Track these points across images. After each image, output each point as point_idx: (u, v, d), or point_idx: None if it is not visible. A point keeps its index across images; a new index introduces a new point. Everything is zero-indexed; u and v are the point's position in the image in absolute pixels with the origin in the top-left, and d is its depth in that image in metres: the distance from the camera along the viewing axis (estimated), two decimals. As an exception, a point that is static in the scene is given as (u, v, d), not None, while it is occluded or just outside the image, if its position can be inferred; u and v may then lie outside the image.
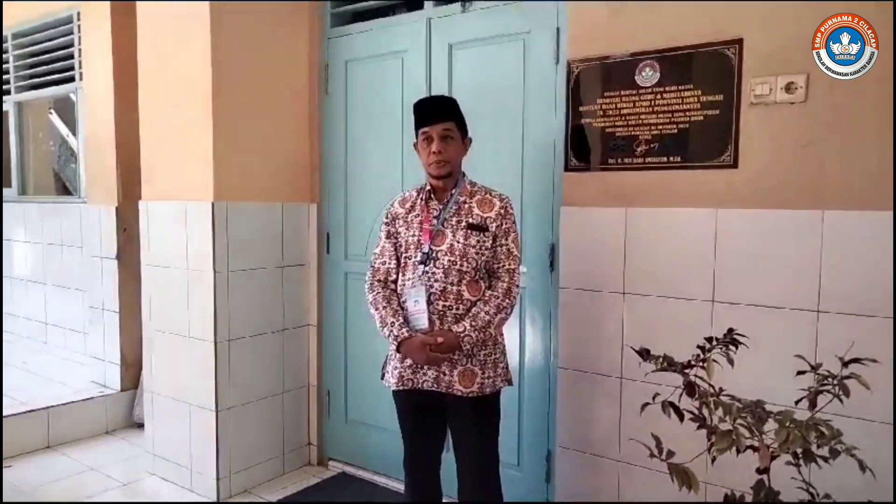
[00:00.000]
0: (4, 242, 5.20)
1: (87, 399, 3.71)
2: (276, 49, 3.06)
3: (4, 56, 4.71)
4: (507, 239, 2.11)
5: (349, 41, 3.12)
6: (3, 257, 5.20)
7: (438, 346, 2.00)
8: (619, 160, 2.30)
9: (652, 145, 2.23)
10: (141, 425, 3.55)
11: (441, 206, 2.13)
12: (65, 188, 4.89)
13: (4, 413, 3.31)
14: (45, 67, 4.55)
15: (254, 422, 3.05)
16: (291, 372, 3.23)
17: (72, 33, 4.18)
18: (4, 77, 4.77)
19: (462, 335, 2.01)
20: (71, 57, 4.25)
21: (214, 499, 2.92)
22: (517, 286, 2.12)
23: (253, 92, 2.96)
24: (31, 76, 4.72)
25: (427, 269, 2.07)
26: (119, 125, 3.69)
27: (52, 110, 4.91)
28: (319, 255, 3.27)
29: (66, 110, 4.69)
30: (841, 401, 1.29)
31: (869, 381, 1.30)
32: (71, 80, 4.31)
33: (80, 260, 4.39)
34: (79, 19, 4.04)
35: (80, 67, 4.09)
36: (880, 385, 1.46)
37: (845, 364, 1.32)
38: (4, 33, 4.62)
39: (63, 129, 4.81)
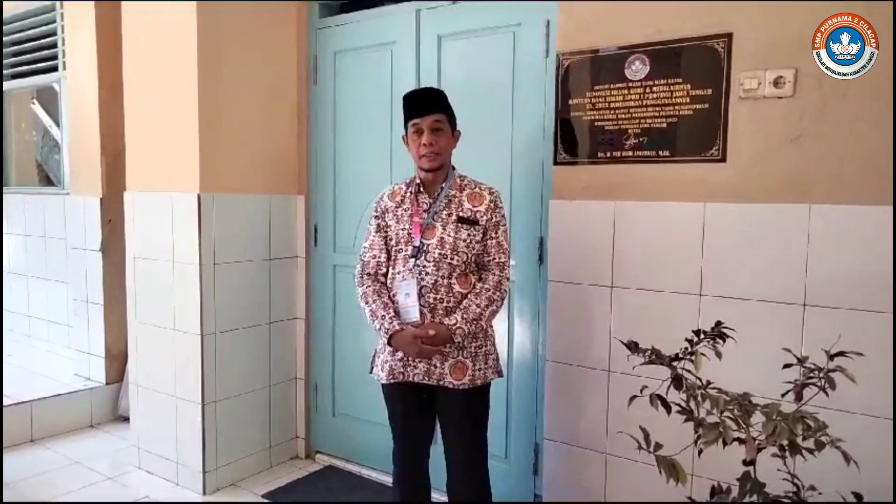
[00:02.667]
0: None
1: (72, 392, 3.67)
2: (263, 39, 3.03)
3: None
4: (497, 232, 2.11)
5: (337, 32, 3.09)
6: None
7: (430, 338, 2.00)
8: (608, 154, 2.30)
9: (641, 139, 2.24)
10: (126, 418, 3.52)
11: (431, 200, 2.12)
12: (48, 179, 4.82)
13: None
14: (27, 56, 4.48)
15: (240, 415, 3.04)
16: (279, 365, 3.22)
17: (55, 22, 4.12)
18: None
19: (454, 327, 2.01)
20: (54, 46, 4.19)
21: (201, 492, 2.91)
22: (507, 279, 2.13)
23: (240, 83, 2.93)
24: (14, 65, 4.64)
25: (418, 262, 2.06)
26: (104, 115, 3.64)
27: (34, 100, 4.83)
28: (307, 247, 3.25)
29: (50, 100, 4.62)
30: (826, 394, 1.30)
31: (854, 375, 1.31)
32: (54, 69, 4.24)
33: (63, 252, 4.34)
34: (62, 7, 3.98)
35: (64, 57, 4.03)
36: (865, 378, 1.48)
37: (831, 357, 1.33)
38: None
39: (46, 120, 4.74)
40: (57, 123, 4.51)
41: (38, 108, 4.82)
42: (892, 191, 1.83)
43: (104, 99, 3.63)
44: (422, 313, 2.05)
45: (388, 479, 2.71)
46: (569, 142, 2.39)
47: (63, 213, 4.34)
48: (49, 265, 4.62)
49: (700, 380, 1.38)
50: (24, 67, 4.52)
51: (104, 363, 3.79)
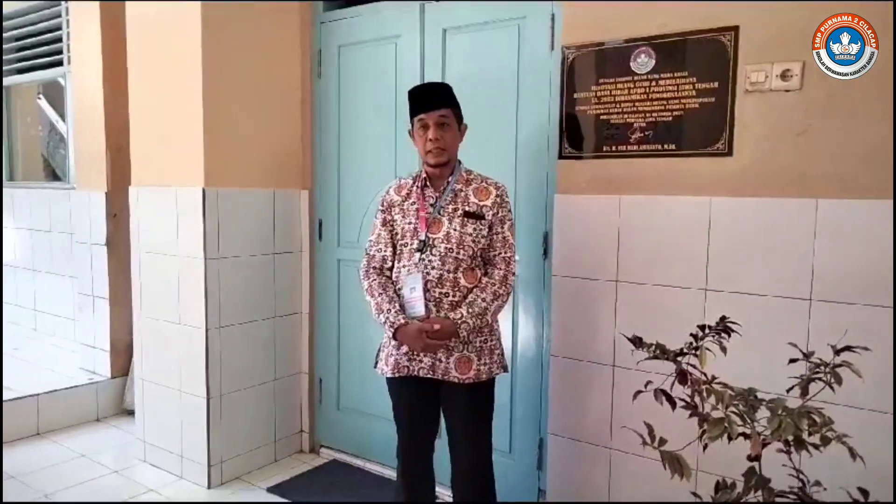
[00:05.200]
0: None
1: (77, 386, 3.69)
2: (267, 33, 3.02)
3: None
4: (503, 227, 2.10)
5: (342, 26, 3.08)
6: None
7: (435, 332, 2.00)
8: (614, 148, 2.29)
9: (646, 133, 2.22)
10: (131, 412, 3.53)
11: (437, 194, 2.12)
12: (54, 174, 4.84)
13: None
14: (33, 51, 4.49)
15: (245, 409, 3.04)
16: (283, 359, 3.22)
17: (60, 16, 4.12)
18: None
19: (459, 322, 2.01)
20: (59, 40, 4.20)
21: (205, 486, 2.92)
22: (513, 274, 2.12)
23: (244, 77, 2.93)
24: (19, 60, 4.65)
25: (424, 256, 2.06)
26: (109, 110, 3.65)
27: (40, 95, 4.84)
28: (311, 242, 3.26)
29: (55, 95, 4.63)
30: (833, 389, 1.29)
31: (861, 370, 1.30)
32: (59, 63, 4.25)
33: (69, 246, 4.35)
34: (67, 3, 3.98)
35: (69, 51, 4.03)
36: (872, 373, 1.47)
37: (837, 352, 1.32)
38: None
39: (52, 114, 4.75)
40: (62, 118, 4.53)
41: (43, 103, 4.83)
42: (892, 185, 1.82)
43: (109, 93, 3.63)
44: (427, 308, 2.05)
45: (392, 474, 2.71)
46: (574, 136, 2.38)
47: (68, 207, 4.35)
48: (55, 259, 4.63)
49: (705, 375, 1.37)
50: (30, 62, 4.53)
51: (109, 357, 3.80)
